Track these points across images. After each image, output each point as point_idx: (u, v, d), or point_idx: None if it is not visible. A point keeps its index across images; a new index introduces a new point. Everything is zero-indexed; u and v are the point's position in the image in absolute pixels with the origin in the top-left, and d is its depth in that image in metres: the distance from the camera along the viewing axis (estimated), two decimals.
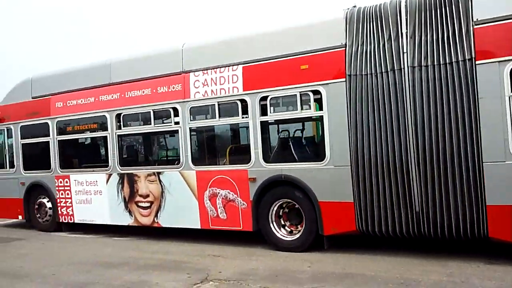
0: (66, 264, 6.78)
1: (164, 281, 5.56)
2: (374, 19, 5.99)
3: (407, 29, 5.79)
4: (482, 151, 5.30)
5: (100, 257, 7.14)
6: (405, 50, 5.76)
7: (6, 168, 10.28)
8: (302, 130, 7.13)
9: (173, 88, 7.60)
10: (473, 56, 5.36)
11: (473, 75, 5.36)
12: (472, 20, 5.43)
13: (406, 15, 5.80)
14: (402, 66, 5.75)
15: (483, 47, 5.33)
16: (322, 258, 6.19)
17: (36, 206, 9.77)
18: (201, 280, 5.52)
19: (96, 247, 7.96)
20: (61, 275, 6.20)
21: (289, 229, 6.83)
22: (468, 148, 5.37)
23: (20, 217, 10.12)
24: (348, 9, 6.26)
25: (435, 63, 5.56)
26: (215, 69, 7.19)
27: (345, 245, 6.59)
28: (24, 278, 6.15)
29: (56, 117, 9.22)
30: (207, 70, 7.27)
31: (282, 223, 6.85)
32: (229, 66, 7.06)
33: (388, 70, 5.81)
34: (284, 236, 6.78)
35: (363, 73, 5.96)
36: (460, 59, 5.43)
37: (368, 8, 6.09)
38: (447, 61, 5.49)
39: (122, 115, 8.27)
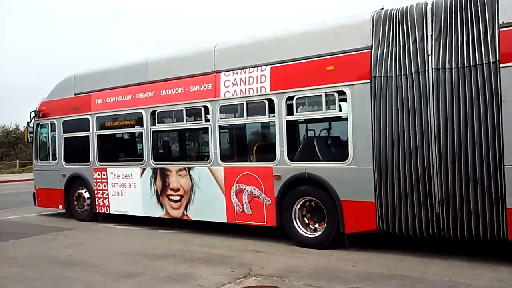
0: (114, 254, 6.99)
1: (208, 275, 5.66)
2: (400, 22, 6.08)
3: (432, 31, 5.85)
4: (503, 154, 5.30)
5: (147, 248, 7.32)
6: (430, 52, 5.82)
7: (49, 160, 10.92)
8: (327, 130, 7.27)
9: (205, 87, 7.91)
10: (497, 59, 5.37)
11: (497, 78, 5.37)
12: (498, 23, 5.43)
13: (432, 18, 5.86)
14: (426, 68, 5.82)
15: (508, 50, 5.33)
16: (366, 258, 6.15)
17: (75, 197, 10.35)
18: (244, 275, 5.59)
19: (143, 239, 8.16)
20: (110, 265, 6.35)
21: (312, 227, 6.98)
22: (490, 151, 5.38)
23: (60, 206, 10.71)
24: (376, 11, 6.36)
25: (459, 66, 5.60)
26: (244, 69, 7.45)
27: (390, 246, 6.56)
28: (75, 267, 6.35)
29: (96, 113, 9.73)
30: (237, 70, 7.54)
31: (305, 220, 7.02)
32: (257, 67, 7.30)
33: (413, 72, 5.89)
34: (305, 233, 6.95)
35: (388, 75, 6.06)
36: (484, 62, 5.45)
37: (395, 11, 6.18)
38: (471, 64, 5.52)
39: (156, 112, 8.66)
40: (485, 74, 5.43)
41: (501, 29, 5.42)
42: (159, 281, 5.49)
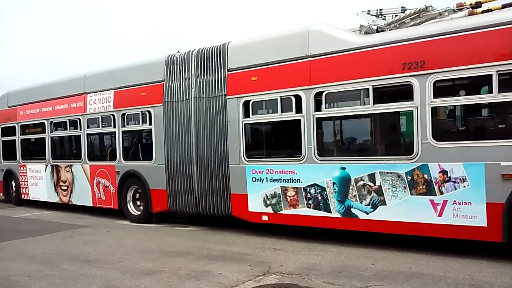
0: (132, 252, 7.00)
1: (227, 272, 5.65)
2: (179, 63, 8.61)
3: (195, 71, 8.36)
4: (228, 157, 7.83)
5: (164, 245, 7.38)
6: (192, 86, 8.34)
7: None
8: (143, 138, 9.84)
9: (78, 104, 10.61)
10: (225, 93, 7.88)
11: (225, 105, 7.86)
12: (227, 68, 7.93)
13: (195, 62, 8.37)
14: (190, 97, 8.35)
15: (231, 86, 7.83)
16: (386, 256, 6.15)
17: (10, 187, 13.28)
18: (263, 273, 5.56)
19: (159, 236, 8.30)
20: (128, 262, 6.35)
21: (142, 208, 9.63)
22: (223, 155, 7.91)
23: (1, 194, 13.65)
24: (169, 55, 8.89)
25: (208, 96, 8.11)
26: (100, 92, 10.10)
27: (411, 244, 6.54)
28: (93, 264, 6.34)
29: (19, 122, 12.59)
30: (96, 92, 10.20)
31: (137, 203, 9.68)
32: (107, 90, 9.95)
33: (184, 99, 8.43)
34: (134, 212, 9.60)
35: (172, 101, 8.62)
36: (220, 94, 7.95)
37: (178, 55, 8.70)
38: (213, 95, 8.03)
39: (53, 122, 11.43)
40: (221, 103, 7.93)
41: (228, 73, 7.93)
42: (179, 279, 5.50)
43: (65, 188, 11.16)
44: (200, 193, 8.27)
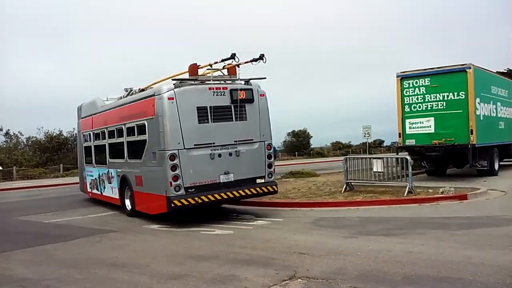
0: (159, 256, 7.25)
1: (253, 276, 5.81)
2: (77, 111, 18.13)
3: (77, 117, 18.28)
4: (83, 163, 17.46)
5: (191, 250, 7.60)
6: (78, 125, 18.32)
7: None
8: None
9: None
10: (80, 129, 17.62)
11: (80, 136, 17.85)
12: (81, 117, 17.54)
13: (77, 111, 18.19)
14: (78, 131, 18.29)
15: (82, 126, 17.42)
16: (415, 260, 6.13)
17: None
18: (289, 277, 5.68)
19: (186, 240, 8.50)
20: (156, 267, 6.61)
21: None
22: (81, 162, 17.79)
23: None
24: (80, 104, 17.90)
25: (78, 131, 18.31)
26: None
27: (436, 247, 6.63)
28: (121, 268, 6.61)
29: None
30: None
31: None
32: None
33: (78, 131, 18.17)
34: None
35: (80, 131, 17.96)
36: (79, 130, 17.84)
37: (78, 105, 17.89)
38: (78, 130, 18.15)
39: None
40: (78, 134, 18.11)
41: (81, 119, 17.50)
42: (205, 283, 5.71)
43: None
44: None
